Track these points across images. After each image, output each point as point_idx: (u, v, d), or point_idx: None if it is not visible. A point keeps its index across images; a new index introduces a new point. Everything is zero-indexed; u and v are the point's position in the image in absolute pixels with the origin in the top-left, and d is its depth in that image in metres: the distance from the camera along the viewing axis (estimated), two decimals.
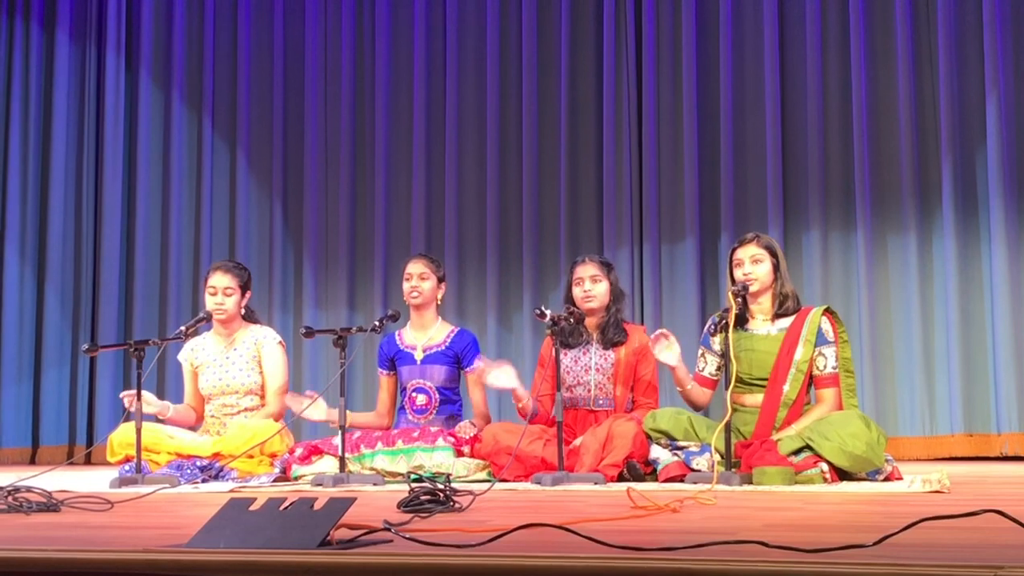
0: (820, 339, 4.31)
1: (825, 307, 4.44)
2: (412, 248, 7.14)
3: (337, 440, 4.45)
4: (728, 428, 4.00)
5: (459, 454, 4.60)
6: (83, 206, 7.90)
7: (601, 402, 4.71)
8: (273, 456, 4.81)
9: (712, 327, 4.29)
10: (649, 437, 4.30)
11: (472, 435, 4.67)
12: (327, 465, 4.59)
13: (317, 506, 2.13)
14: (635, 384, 4.73)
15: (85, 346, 4.94)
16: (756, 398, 4.33)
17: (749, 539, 1.94)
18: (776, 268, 4.40)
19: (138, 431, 4.53)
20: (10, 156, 7.95)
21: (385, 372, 5.13)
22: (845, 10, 6.70)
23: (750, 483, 3.87)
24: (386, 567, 1.83)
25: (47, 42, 8.10)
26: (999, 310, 6.19)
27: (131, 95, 7.95)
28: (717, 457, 4.02)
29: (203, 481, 4.56)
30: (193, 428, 5.16)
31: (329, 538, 2.03)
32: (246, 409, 5.06)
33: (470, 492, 3.32)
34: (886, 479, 4.04)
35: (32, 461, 7.65)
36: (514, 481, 4.32)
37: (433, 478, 4.16)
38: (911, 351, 6.39)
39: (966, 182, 6.42)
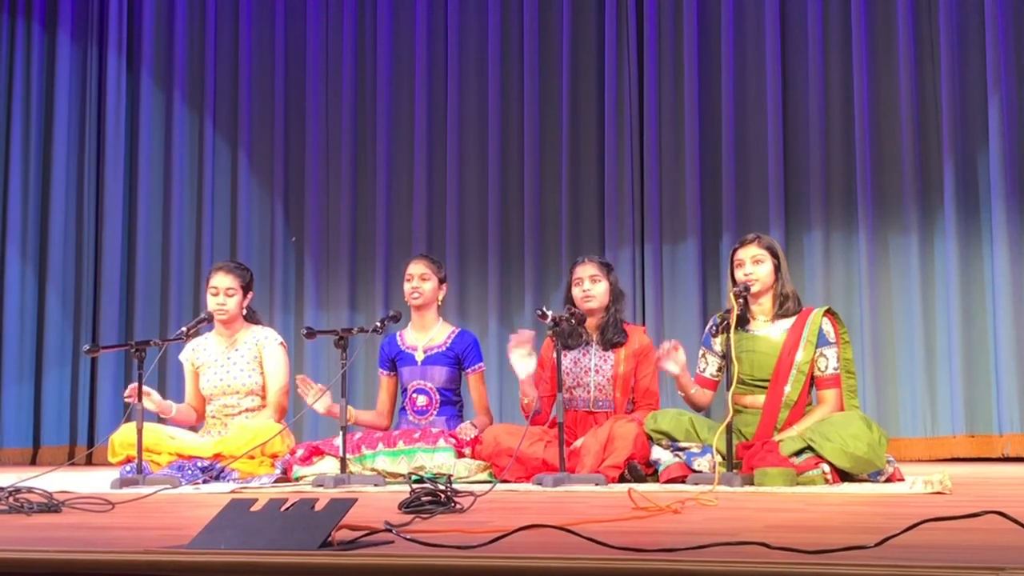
0: (821, 340, 4.31)
1: (826, 308, 4.43)
2: (413, 249, 7.14)
3: (338, 441, 4.45)
4: (729, 429, 4.00)
5: (460, 455, 4.60)
6: (84, 206, 7.90)
7: (601, 403, 4.70)
8: (274, 457, 4.81)
9: (713, 328, 4.28)
10: (650, 438, 4.29)
11: (473, 436, 4.67)
12: (328, 466, 4.59)
13: (318, 507, 2.12)
14: (635, 385, 4.73)
15: (86, 347, 4.94)
16: (757, 399, 4.33)
17: (750, 540, 1.94)
18: (777, 269, 4.39)
19: (139, 431, 4.53)
20: (11, 156, 7.96)
21: (386, 373, 5.13)
22: (847, 10, 6.70)
23: (751, 484, 3.86)
24: (387, 568, 1.83)
25: (48, 42, 8.11)
26: (1001, 311, 6.19)
27: (132, 95, 7.95)
28: (718, 458, 4.02)
29: (204, 482, 4.55)
30: (194, 428, 5.16)
31: (330, 539, 2.03)
32: (247, 410, 5.06)
33: (471, 493, 3.32)
34: (888, 480, 4.04)
35: (33, 462, 7.66)
36: (515, 482, 4.32)
37: (434, 479, 4.15)
38: (913, 352, 6.39)
39: (968, 183, 6.42)
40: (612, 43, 7.07)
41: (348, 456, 4.44)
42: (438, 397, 4.97)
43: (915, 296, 6.43)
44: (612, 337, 4.72)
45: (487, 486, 3.99)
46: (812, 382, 4.34)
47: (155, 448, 4.76)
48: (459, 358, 5.00)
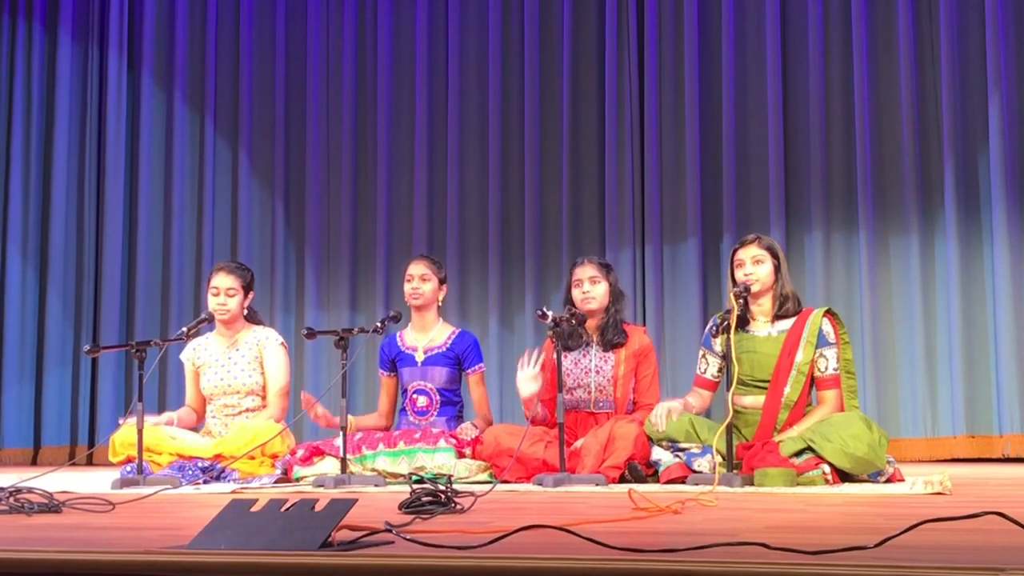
0: (821, 340, 4.31)
1: (826, 308, 4.43)
2: (414, 249, 7.14)
3: (338, 441, 4.45)
4: (729, 430, 4.00)
5: (460, 455, 4.61)
6: (85, 206, 7.91)
7: (602, 404, 4.70)
8: (274, 457, 4.81)
9: (714, 328, 4.28)
10: (650, 439, 4.29)
11: (473, 436, 4.67)
12: (328, 466, 4.59)
13: (318, 507, 2.13)
14: (636, 385, 4.73)
15: (87, 347, 4.94)
16: (757, 400, 4.33)
17: (750, 541, 1.94)
18: (777, 269, 4.39)
19: (139, 432, 4.53)
20: (12, 156, 7.96)
21: (386, 373, 5.13)
22: (847, 10, 6.70)
23: (751, 485, 3.86)
24: (387, 568, 1.83)
25: (49, 42, 8.11)
26: (1001, 311, 6.19)
27: (133, 95, 7.95)
28: (719, 459, 4.02)
29: (204, 482, 4.56)
30: (195, 429, 5.16)
31: (330, 539, 2.03)
32: (247, 410, 5.06)
33: (471, 493, 3.32)
34: (888, 481, 4.04)
35: (34, 462, 7.66)
36: (515, 482, 4.32)
37: (435, 479, 4.15)
38: (913, 352, 6.39)
39: (968, 183, 6.42)
40: (612, 43, 7.08)
41: (348, 456, 4.44)
42: (438, 398, 4.97)
43: (915, 296, 6.43)
44: (612, 338, 4.72)
45: (487, 486, 3.99)
46: (812, 383, 4.33)
47: (156, 448, 4.76)
48: (459, 359, 5.00)
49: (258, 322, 5.26)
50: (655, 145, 6.96)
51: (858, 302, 6.50)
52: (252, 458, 4.72)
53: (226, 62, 7.89)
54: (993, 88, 6.32)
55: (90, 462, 7.27)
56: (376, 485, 4.31)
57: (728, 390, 4.06)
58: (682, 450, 4.23)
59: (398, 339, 5.11)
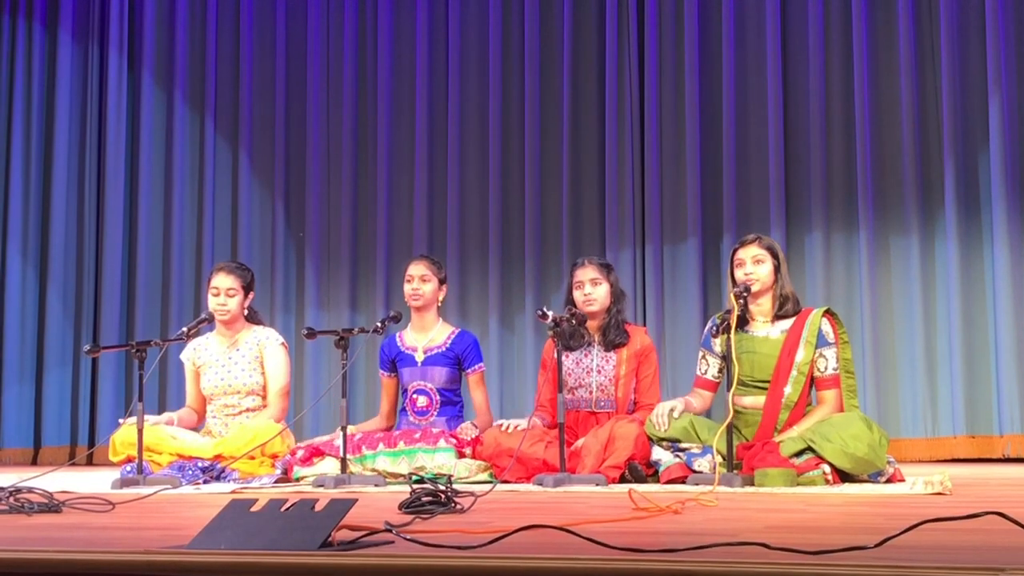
0: (821, 340, 4.31)
1: (825, 308, 4.43)
2: (414, 249, 7.14)
3: (338, 441, 4.45)
4: (730, 430, 4.00)
5: (461, 455, 4.61)
6: (85, 206, 7.90)
7: (603, 404, 4.70)
8: (274, 457, 4.82)
9: (714, 328, 4.28)
10: (651, 439, 4.29)
11: (474, 436, 4.67)
12: (328, 466, 4.59)
13: (318, 507, 2.13)
14: (637, 385, 4.73)
15: (87, 347, 4.94)
16: (757, 400, 4.33)
17: (751, 541, 1.94)
18: (777, 269, 4.39)
19: (139, 431, 4.53)
20: (12, 156, 7.96)
21: (386, 374, 5.13)
22: (847, 11, 6.70)
23: (752, 485, 3.86)
24: (387, 568, 1.83)
25: (49, 42, 8.11)
26: (1001, 312, 6.19)
27: (133, 95, 7.95)
28: (719, 459, 4.02)
29: (204, 482, 4.56)
30: (195, 429, 5.16)
31: (330, 539, 2.03)
32: (248, 410, 5.06)
33: (471, 493, 3.32)
34: (888, 481, 4.04)
35: (34, 462, 7.66)
36: (516, 482, 4.32)
37: (435, 479, 4.15)
38: (913, 353, 6.39)
39: (968, 184, 6.42)
40: (613, 43, 7.07)
41: (348, 456, 4.44)
42: (438, 398, 4.97)
43: (915, 297, 6.42)
44: (614, 338, 4.72)
45: (487, 486, 3.99)
46: (812, 383, 4.34)
47: (156, 448, 4.76)
48: (459, 359, 5.00)
49: (258, 322, 5.26)
50: (655, 145, 6.96)
51: (858, 302, 6.50)
52: (252, 458, 4.72)
53: (226, 62, 7.89)
54: (993, 88, 6.31)
55: (90, 462, 7.27)
56: (376, 485, 4.31)
57: (728, 390, 4.07)
58: (682, 450, 4.23)
59: (398, 339, 5.11)
